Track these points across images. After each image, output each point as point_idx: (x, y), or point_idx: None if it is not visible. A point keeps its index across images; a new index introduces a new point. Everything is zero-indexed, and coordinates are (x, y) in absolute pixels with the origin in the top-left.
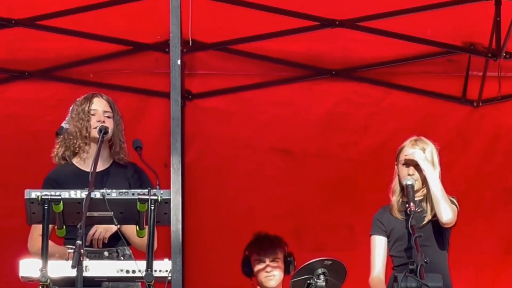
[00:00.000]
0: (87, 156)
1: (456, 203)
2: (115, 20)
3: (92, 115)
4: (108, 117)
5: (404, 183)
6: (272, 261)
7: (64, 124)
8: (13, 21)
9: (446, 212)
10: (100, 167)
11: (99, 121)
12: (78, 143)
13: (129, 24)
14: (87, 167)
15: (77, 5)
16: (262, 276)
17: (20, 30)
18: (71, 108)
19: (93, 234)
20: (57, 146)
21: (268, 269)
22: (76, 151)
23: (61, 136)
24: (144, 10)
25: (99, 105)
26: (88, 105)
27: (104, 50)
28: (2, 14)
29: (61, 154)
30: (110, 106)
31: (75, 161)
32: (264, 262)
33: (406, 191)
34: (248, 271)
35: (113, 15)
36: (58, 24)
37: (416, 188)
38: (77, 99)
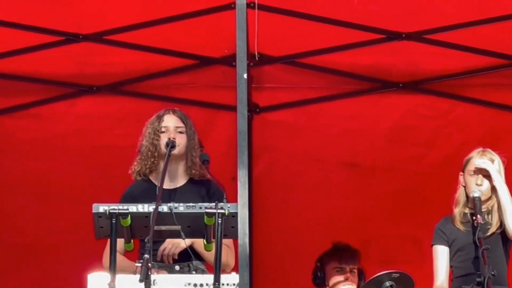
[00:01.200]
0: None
1: None
2: (182, 35)
3: (163, 132)
4: (180, 132)
5: (471, 195)
6: (350, 271)
7: (144, 141)
8: (81, 36)
9: None
10: (176, 184)
11: (169, 138)
12: (151, 161)
13: (195, 38)
14: (165, 183)
15: (144, 20)
16: (338, 283)
17: (88, 45)
18: (146, 123)
19: (163, 250)
20: (135, 163)
21: (347, 277)
22: (152, 169)
23: (140, 152)
24: (210, 24)
25: (170, 121)
26: (158, 122)
27: (171, 64)
28: (70, 29)
29: (137, 171)
30: (183, 121)
31: (152, 177)
32: (344, 270)
33: (473, 203)
34: (320, 282)
35: (179, 29)
36: (126, 39)
37: (482, 199)
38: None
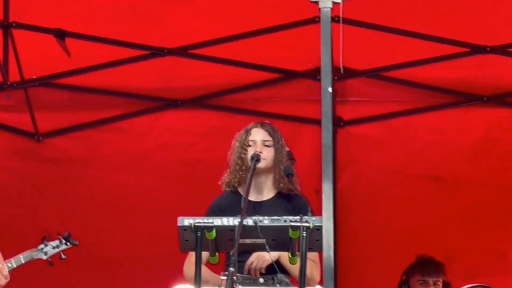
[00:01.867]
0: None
1: None
2: (266, 48)
3: (249, 146)
4: (267, 145)
5: None
6: (434, 284)
7: (232, 154)
8: (165, 50)
9: None
10: (262, 196)
11: (255, 151)
12: (239, 174)
13: (280, 52)
14: (250, 195)
15: (228, 34)
16: None
17: (172, 59)
18: (235, 136)
19: (251, 264)
20: (225, 175)
21: None
22: (240, 182)
23: (229, 165)
24: (294, 38)
25: (257, 135)
26: (246, 136)
27: (255, 78)
28: (155, 44)
29: (227, 182)
30: (270, 135)
31: (240, 189)
32: (428, 283)
33: None
34: None
35: (264, 43)
36: (210, 53)
37: None
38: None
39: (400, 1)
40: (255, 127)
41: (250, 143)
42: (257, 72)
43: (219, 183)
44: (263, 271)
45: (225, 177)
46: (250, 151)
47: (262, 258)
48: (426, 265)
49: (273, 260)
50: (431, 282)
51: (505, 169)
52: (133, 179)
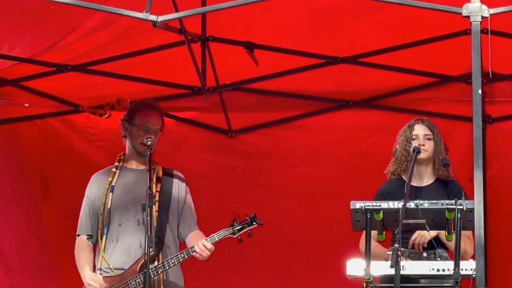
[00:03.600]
0: (415, 173)
1: None
2: (425, 56)
3: (413, 139)
4: (428, 139)
5: None
6: None
7: (397, 146)
8: (339, 59)
9: None
10: (422, 182)
11: (419, 144)
12: (404, 164)
13: (437, 59)
14: (412, 182)
15: (393, 45)
16: None
17: (345, 66)
18: (400, 131)
19: (414, 240)
20: (390, 164)
21: None
22: (405, 170)
23: (395, 156)
24: (450, 47)
25: (419, 130)
26: (410, 131)
27: (416, 82)
28: (330, 53)
29: (392, 171)
30: (430, 129)
31: (404, 176)
32: None
33: None
34: None
35: (423, 52)
36: (377, 61)
37: None
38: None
39: None
40: (417, 123)
41: (414, 137)
42: (417, 77)
43: (385, 172)
44: (425, 246)
45: (391, 166)
46: (414, 144)
47: (424, 235)
48: None
49: (432, 237)
50: None
51: None
52: (313, 170)
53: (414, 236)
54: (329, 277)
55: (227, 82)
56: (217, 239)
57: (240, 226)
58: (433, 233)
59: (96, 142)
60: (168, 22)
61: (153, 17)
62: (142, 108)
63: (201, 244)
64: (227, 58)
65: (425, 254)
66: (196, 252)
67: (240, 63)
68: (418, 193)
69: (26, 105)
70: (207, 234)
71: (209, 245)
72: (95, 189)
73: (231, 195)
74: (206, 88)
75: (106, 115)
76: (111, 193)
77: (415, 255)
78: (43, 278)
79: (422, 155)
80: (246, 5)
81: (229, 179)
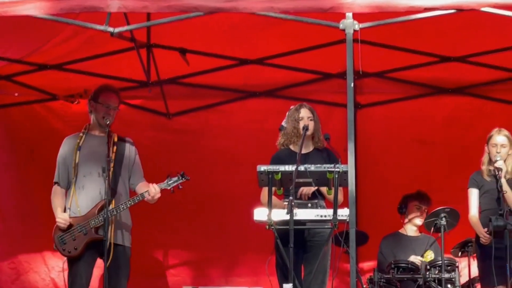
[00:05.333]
0: (298, 143)
1: None
2: (313, 58)
3: (300, 120)
4: (311, 120)
5: (494, 158)
6: (424, 210)
7: (284, 123)
8: (249, 61)
9: None
10: (305, 151)
11: (304, 124)
12: (293, 138)
13: (321, 60)
14: (297, 150)
15: (290, 49)
16: (415, 216)
17: (254, 66)
18: (288, 113)
19: (301, 191)
20: (280, 138)
21: (421, 213)
22: (292, 142)
23: (282, 131)
24: (330, 52)
25: (304, 113)
26: (297, 114)
27: (305, 78)
28: (242, 56)
29: (282, 142)
30: (312, 113)
31: (291, 146)
32: (421, 209)
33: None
34: (404, 211)
35: (311, 55)
36: (277, 62)
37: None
38: (291, 107)
39: (396, 29)
40: (303, 107)
41: (300, 118)
42: (306, 74)
43: (276, 144)
44: (310, 195)
45: (281, 139)
46: (301, 123)
47: (309, 188)
48: (423, 197)
49: (314, 189)
50: (423, 208)
51: (464, 135)
52: (230, 143)
53: (301, 188)
54: (241, 222)
55: (166, 77)
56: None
57: (172, 180)
58: (313, 188)
59: (69, 123)
60: (122, 33)
61: (111, 29)
62: (104, 90)
63: (153, 189)
64: (166, 59)
65: (309, 205)
66: (149, 195)
67: (176, 63)
68: (307, 157)
69: (16, 94)
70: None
71: (158, 189)
72: (66, 148)
73: (168, 162)
74: (150, 82)
75: (76, 102)
76: (78, 152)
77: (302, 205)
78: (26, 223)
79: (308, 132)
80: (182, 20)
81: (167, 150)
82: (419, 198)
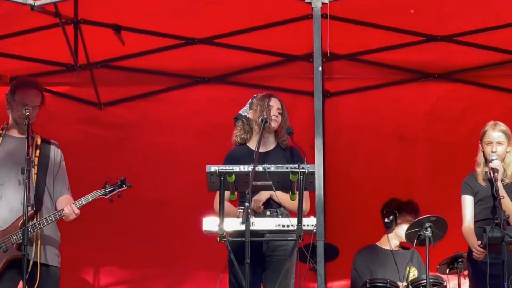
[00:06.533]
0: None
1: None
2: (273, 37)
3: (271, 109)
4: (280, 113)
5: (490, 158)
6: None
7: (242, 112)
8: (196, 40)
9: None
10: (266, 148)
11: (273, 114)
12: (254, 132)
13: (284, 40)
14: (260, 148)
15: (245, 27)
16: (403, 230)
17: (202, 46)
18: (250, 101)
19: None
20: (237, 130)
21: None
22: (252, 135)
23: (240, 120)
24: (294, 30)
25: (274, 103)
26: (267, 101)
27: (264, 60)
28: (188, 35)
29: (239, 137)
30: (281, 105)
31: (249, 143)
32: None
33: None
34: (391, 224)
35: (272, 33)
36: (230, 42)
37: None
38: (255, 95)
39: (372, 2)
40: (273, 97)
41: (270, 107)
42: (265, 56)
43: (232, 137)
44: (261, 207)
45: (237, 132)
46: (273, 112)
47: (258, 200)
48: (417, 212)
49: (267, 198)
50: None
51: (451, 130)
52: (173, 138)
53: (256, 196)
54: (187, 233)
55: (97, 60)
56: (90, 199)
57: (111, 188)
58: (266, 194)
59: None
60: (44, 6)
61: (31, 1)
62: (21, 86)
63: (69, 208)
64: (97, 38)
65: (268, 213)
66: (64, 214)
67: (109, 43)
68: (266, 157)
69: None
70: (80, 195)
71: (77, 210)
72: None
73: (101, 161)
74: (78, 65)
75: None
76: None
77: (260, 214)
78: None
79: (273, 125)
80: None
81: (99, 147)
82: (414, 212)
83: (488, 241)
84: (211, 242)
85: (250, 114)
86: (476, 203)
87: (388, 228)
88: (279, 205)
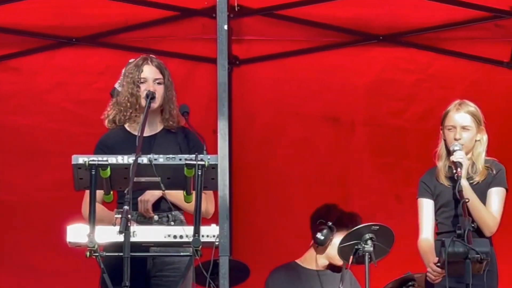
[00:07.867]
0: (139, 121)
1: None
2: None
3: (142, 83)
4: (159, 83)
5: (451, 148)
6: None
7: (117, 86)
8: None
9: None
10: (149, 132)
11: (149, 90)
12: (129, 112)
13: None
14: (137, 132)
15: None
16: (335, 249)
17: None
18: (123, 70)
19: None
20: (109, 109)
21: None
22: (127, 118)
23: (114, 98)
24: None
25: (149, 72)
26: (138, 73)
27: (151, 16)
28: None
29: (112, 118)
30: (161, 72)
31: (127, 125)
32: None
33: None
34: (325, 240)
35: None
36: None
37: (464, 151)
38: (130, 60)
39: None
40: (147, 63)
41: (142, 80)
42: (153, 10)
43: (102, 117)
44: (150, 210)
45: (108, 112)
46: (143, 88)
47: (147, 200)
48: (357, 223)
49: (158, 197)
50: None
51: (400, 111)
52: (31, 120)
53: (138, 199)
54: (46, 246)
55: None
56: None
57: None
58: (157, 193)
59: None
60: None
61: None
62: None
63: None
64: None
65: (156, 218)
66: None
67: None
68: (152, 142)
69: None
70: None
71: None
72: None
73: None
74: None
75: None
76: None
77: (145, 219)
78: None
79: (154, 103)
80: None
81: None
82: (352, 225)
83: (448, 258)
84: (78, 257)
85: (121, 87)
86: (438, 209)
87: (320, 245)
88: (171, 207)
